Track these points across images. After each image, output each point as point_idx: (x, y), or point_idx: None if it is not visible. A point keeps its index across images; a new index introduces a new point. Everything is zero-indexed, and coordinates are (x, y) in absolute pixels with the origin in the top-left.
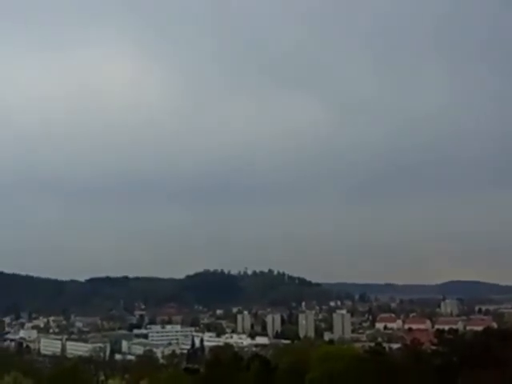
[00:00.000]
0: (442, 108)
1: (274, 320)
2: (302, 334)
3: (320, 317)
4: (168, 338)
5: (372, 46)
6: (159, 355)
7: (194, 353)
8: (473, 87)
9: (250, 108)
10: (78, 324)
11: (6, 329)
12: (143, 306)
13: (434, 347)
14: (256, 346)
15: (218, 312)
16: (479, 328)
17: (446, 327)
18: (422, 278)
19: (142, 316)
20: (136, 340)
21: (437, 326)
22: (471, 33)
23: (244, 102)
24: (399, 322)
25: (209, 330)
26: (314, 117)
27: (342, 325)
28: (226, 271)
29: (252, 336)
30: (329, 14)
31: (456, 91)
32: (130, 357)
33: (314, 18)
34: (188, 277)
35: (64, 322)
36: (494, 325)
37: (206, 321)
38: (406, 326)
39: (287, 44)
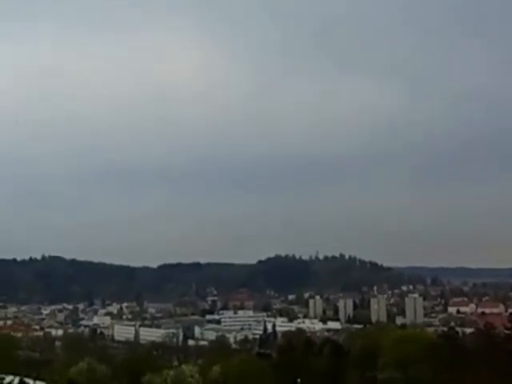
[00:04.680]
0: None
1: (345, 305)
2: (374, 319)
3: (392, 301)
4: (240, 323)
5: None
6: (232, 340)
7: (267, 338)
8: None
9: (319, 90)
10: (151, 310)
11: (80, 315)
12: (215, 292)
13: (507, 331)
14: (328, 330)
15: (290, 297)
16: None
17: None
18: (494, 261)
19: (214, 301)
20: (208, 325)
21: (510, 310)
22: None
23: (312, 84)
24: (472, 306)
25: (281, 315)
26: (384, 94)
27: (415, 309)
28: (297, 256)
29: (324, 321)
30: None
31: None
32: (202, 342)
33: None
34: (259, 262)
35: (137, 309)
36: None
37: (277, 306)
38: (479, 310)
39: (352, 25)
